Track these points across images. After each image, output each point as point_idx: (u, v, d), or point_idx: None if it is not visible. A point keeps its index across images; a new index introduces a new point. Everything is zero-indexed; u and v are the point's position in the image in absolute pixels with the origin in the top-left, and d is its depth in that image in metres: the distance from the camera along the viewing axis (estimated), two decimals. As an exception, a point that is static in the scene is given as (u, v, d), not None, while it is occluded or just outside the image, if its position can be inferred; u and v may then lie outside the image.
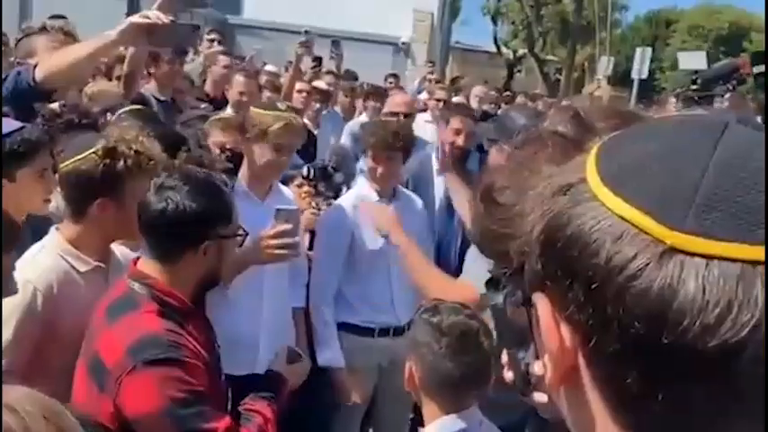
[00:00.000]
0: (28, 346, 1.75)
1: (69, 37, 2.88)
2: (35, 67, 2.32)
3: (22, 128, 2.05)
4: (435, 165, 3.67)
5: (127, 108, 3.15)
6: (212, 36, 5.73)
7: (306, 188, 3.06)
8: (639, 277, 0.45)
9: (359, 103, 6.31)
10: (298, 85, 4.80)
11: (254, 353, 2.49)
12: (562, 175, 0.53)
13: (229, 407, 1.86)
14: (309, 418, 2.90)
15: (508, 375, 0.73)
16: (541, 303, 0.53)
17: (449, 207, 3.43)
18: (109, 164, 1.83)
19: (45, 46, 2.82)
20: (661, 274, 0.45)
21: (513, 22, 31.16)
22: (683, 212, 0.45)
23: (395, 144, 2.84)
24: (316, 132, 4.80)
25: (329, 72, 6.44)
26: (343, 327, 2.88)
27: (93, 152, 1.83)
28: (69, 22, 3.45)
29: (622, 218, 0.47)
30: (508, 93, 11.36)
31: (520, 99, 10.16)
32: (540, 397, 0.79)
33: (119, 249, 2.05)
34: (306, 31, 4.84)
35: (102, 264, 1.94)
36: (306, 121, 4.80)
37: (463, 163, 3.50)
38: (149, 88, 3.94)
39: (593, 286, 0.47)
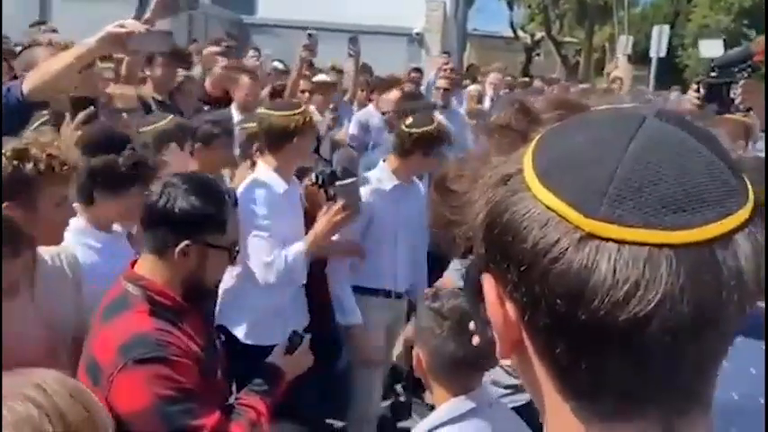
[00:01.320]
0: None
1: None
2: (22, 82, 2.40)
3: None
4: None
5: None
6: (223, 44, 5.80)
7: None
8: (561, 260, 0.51)
9: (374, 96, 6.33)
10: (301, 85, 4.88)
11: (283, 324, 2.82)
12: (504, 166, 0.58)
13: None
14: (334, 379, 3.39)
15: (475, 340, 0.81)
16: (487, 283, 0.59)
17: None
18: (17, 166, 1.75)
19: (45, 59, 2.90)
20: (578, 256, 0.50)
21: (529, 6, 30.82)
22: (599, 202, 0.50)
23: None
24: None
25: (333, 68, 6.46)
26: (358, 290, 3.31)
27: (2, 153, 1.76)
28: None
29: (548, 207, 0.52)
30: (525, 78, 11.29)
31: (537, 84, 10.11)
32: (505, 360, 0.85)
33: (47, 250, 1.94)
34: (309, 34, 4.94)
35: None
36: (316, 115, 4.88)
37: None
38: (146, 90, 4.01)
39: (523, 268, 0.53)
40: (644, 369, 0.51)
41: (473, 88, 7.55)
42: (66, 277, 1.95)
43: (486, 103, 8.19)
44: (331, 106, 5.02)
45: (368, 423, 3.46)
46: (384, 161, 3.38)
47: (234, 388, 2.34)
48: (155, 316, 1.73)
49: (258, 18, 13.80)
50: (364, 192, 3.15)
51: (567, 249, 0.50)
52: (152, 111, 3.62)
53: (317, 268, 3.21)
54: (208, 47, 5.58)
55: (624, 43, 16.02)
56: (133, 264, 1.86)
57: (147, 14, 2.64)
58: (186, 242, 1.75)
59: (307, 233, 3.03)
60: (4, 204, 1.75)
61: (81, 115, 2.66)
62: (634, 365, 0.51)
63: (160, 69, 4.02)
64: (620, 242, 0.49)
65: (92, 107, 2.72)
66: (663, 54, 13.36)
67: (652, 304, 0.48)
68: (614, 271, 0.49)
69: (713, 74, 2.73)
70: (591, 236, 0.50)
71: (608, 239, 0.49)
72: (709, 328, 0.51)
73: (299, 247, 2.92)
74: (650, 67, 13.43)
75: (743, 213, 0.51)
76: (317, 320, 3.19)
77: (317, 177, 3.18)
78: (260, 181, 2.94)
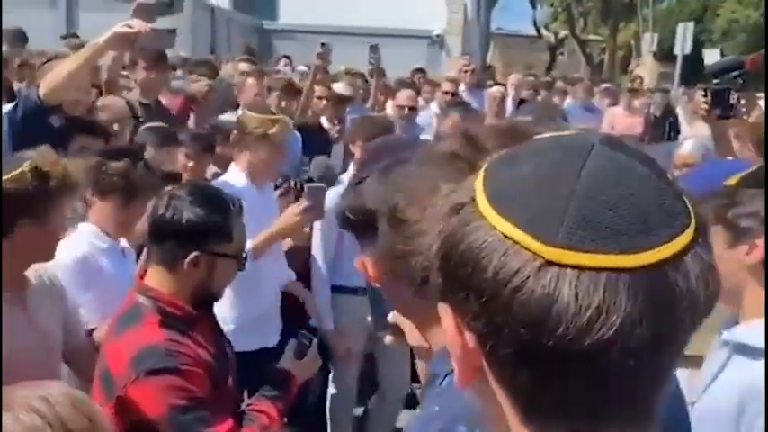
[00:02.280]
0: None
1: None
2: (37, 86, 2.52)
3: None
4: None
5: (148, 125, 3.34)
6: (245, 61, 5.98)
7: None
8: (523, 288, 0.51)
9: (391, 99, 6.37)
10: (317, 92, 4.96)
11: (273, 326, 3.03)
12: (455, 195, 0.58)
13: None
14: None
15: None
16: (444, 313, 0.59)
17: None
18: (39, 184, 1.78)
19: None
20: (540, 284, 0.51)
21: (552, 4, 30.57)
22: (556, 229, 0.51)
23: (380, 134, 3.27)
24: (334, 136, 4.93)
25: (347, 72, 6.53)
26: (337, 289, 3.39)
27: (21, 172, 1.78)
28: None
29: (506, 235, 0.52)
30: (547, 78, 11.21)
31: (559, 84, 10.03)
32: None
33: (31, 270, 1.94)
34: (322, 44, 5.13)
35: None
36: (325, 123, 4.94)
37: None
38: (133, 95, 4.06)
39: (484, 299, 0.53)
40: (607, 389, 0.52)
41: (495, 89, 7.53)
42: (51, 293, 2.00)
43: (509, 105, 8.18)
44: (342, 117, 5.11)
45: (346, 418, 3.57)
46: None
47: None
48: (165, 327, 1.76)
49: (279, 24, 13.92)
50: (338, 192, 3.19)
51: (528, 278, 0.51)
52: (138, 117, 3.66)
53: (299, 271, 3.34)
54: (233, 60, 5.68)
55: (649, 41, 15.84)
56: (142, 275, 1.91)
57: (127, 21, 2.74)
58: (195, 253, 1.78)
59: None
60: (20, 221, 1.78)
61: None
62: (598, 386, 0.52)
63: (144, 73, 4.04)
64: (579, 268, 0.50)
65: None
66: (688, 51, 13.17)
67: (614, 328, 0.49)
68: (576, 297, 0.50)
69: (715, 81, 2.85)
70: (550, 263, 0.50)
71: (567, 266, 0.50)
72: (666, 346, 0.53)
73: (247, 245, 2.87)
74: (675, 64, 13.25)
75: (688, 234, 0.53)
76: (297, 321, 3.25)
77: (294, 183, 3.39)
78: (228, 182, 2.95)
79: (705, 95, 2.82)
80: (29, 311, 1.89)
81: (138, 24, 2.49)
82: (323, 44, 5.11)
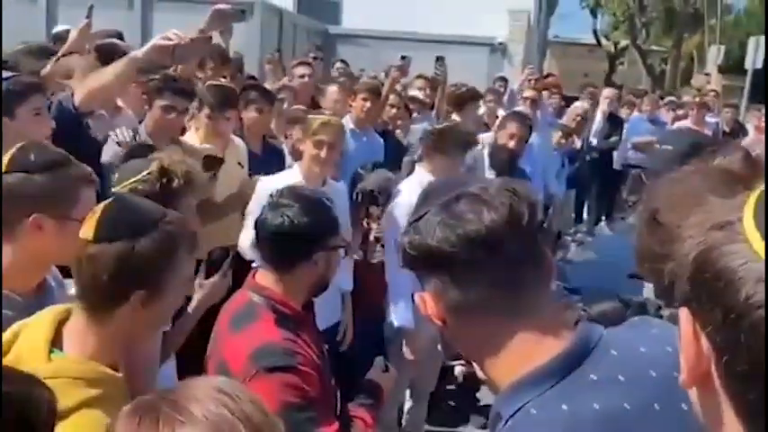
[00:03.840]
0: None
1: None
2: (72, 94, 2.61)
3: (14, 76, 2.42)
4: (487, 161, 4.51)
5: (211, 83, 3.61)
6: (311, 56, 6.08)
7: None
8: None
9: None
10: (390, 99, 5.05)
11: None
12: (722, 211, 0.60)
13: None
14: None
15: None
16: (685, 317, 0.61)
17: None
18: (165, 183, 1.94)
19: (82, 68, 3.11)
20: None
21: (613, 14, 30.08)
22: None
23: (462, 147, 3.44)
24: (405, 143, 4.98)
25: (421, 76, 6.60)
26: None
27: (149, 173, 1.95)
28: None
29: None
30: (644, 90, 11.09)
31: (627, 97, 9.90)
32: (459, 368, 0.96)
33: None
34: (402, 57, 5.20)
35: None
36: (398, 131, 5.02)
37: (514, 162, 4.41)
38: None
39: (732, 316, 0.55)
40: None
41: (578, 105, 7.52)
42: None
43: (598, 117, 8.12)
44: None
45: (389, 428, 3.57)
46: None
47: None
48: (280, 325, 1.84)
49: (343, 28, 14.06)
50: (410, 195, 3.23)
51: None
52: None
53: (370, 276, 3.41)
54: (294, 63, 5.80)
55: (715, 53, 15.42)
56: (254, 274, 1.99)
57: (202, 26, 2.80)
58: (320, 253, 1.91)
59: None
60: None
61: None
62: None
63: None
64: None
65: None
66: (759, 65, 12.80)
67: None
68: None
69: None
70: None
71: None
72: None
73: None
74: (745, 78, 12.88)
75: None
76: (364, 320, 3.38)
77: (356, 195, 3.48)
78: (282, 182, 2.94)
79: None
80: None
81: (177, 36, 2.54)
82: (403, 57, 5.16)
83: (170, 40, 2.52)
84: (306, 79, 5.19)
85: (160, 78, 3.18)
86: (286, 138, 4.18)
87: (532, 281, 0.98)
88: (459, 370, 4.34)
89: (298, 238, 1.88)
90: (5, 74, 2.50)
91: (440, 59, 6.17)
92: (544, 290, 1.00)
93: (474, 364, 1.04)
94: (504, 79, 8.56)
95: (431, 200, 1.02)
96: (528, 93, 6.40)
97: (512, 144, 4.42)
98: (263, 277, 1.95)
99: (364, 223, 3.63)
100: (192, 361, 2.03)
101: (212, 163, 2.97)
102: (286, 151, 4.08)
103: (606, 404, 0.90)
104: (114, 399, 1.25)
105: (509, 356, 0.97)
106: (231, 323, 1.89)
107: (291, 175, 3.17)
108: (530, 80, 8.21)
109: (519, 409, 0.92)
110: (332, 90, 4.85)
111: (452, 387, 4.30)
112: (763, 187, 0.60)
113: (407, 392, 3.78)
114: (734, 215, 0.58)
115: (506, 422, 0.93)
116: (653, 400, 0.92)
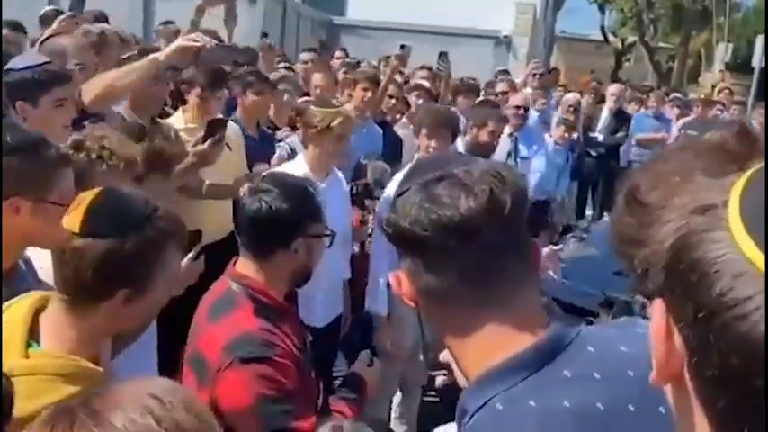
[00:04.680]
0: None
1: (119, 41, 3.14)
2: (79, 93, 2.53)
3: (45, 62, 2.39)
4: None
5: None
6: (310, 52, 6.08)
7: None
8: (746, 318, 0.46)
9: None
10: (389, 90, 5.00)
11: (311, 308, 2.90)
12: (708, 193, 0.53)
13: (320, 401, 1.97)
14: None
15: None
16: (657, 308, 0.56)
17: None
18: (71, 156, 1.81)
19: (75, 48, 3.00)
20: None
21: (621, 10, 29.88)
22: None
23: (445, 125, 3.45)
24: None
25: (423, 67, 6.56)
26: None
27: (64, 146, 1.84)
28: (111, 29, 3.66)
29: (749, 259, 0.47)
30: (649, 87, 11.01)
31: (628, 93, 9.81)
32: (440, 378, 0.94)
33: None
34: (402, 46, 5.13)
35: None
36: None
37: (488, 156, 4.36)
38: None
39: (703, 313, 0.49)
40: None
41: (571, 97, 7.41)
42: None
43: (604, 114, 8.04)
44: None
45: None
46: None
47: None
48: (259, 315, 1.78)
49: (347, 19, 13.99)
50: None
51: (756, 309, 0.46)
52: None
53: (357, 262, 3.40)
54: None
55: (723, 51, 15.31)
56: (234, 262, 1.93)
57: (200, 2, 2.74)
58: (299, 240, 1.84)
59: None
60: None
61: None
62: None
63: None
64: None
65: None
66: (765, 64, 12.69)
67: None
68: None
69: None
70: None
71: None
72: None
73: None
74: (752, 77, 12.76)
75: None
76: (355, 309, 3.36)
77: (352, 188, 3.50)
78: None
79: None
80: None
81: (203, 39, 2.49)
82: (402, 46, 5.11)
83: (195, 42, 2.47)
84: (310, 65, 5.21)
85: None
86: (294, 129, 4.13)
87: (513, 272, 0.93)
88: (440, 380, 4.31)
89: (276, 225, 1.81)
90: (34, 60, 2.45)
91: (443, 55, 6.11)
92: (526, 283, 0.95)
93: (450, 353, 0.99)
94: (506, 72, 8.48)
95: (415, 176, 0.97)
96: (571, 99, 6.59)
97: (490, 139, 4.31)
98: (244, 266, 1.89)
99: (360, 216, 3.61)
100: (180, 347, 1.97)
101: (217, 126, 2.93)
102: (286, 141, 4.03)
103: (578, 402, 0.85)
104: None
105: (479, 347, 0.92)
106: (210, 312, 1.84)
107: (296, 167, 3.10)
108: (534, 74, 8.15)
109: (484, 403, 0.87)
110: (316, 77, 4.87)
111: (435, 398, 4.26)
112: (756, 167, 0.53)
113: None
114: (719, 198, 0.51)
115: (471, 417, 0.88)
116: (628, 401, 0.86)
